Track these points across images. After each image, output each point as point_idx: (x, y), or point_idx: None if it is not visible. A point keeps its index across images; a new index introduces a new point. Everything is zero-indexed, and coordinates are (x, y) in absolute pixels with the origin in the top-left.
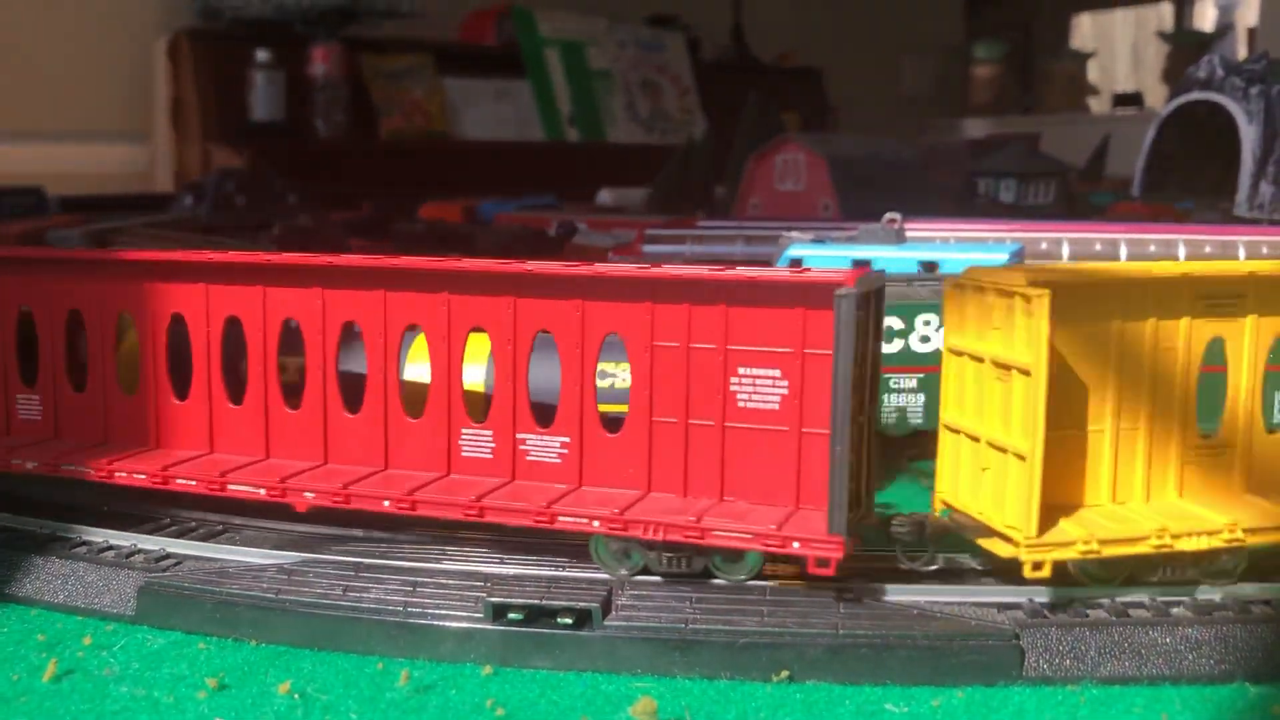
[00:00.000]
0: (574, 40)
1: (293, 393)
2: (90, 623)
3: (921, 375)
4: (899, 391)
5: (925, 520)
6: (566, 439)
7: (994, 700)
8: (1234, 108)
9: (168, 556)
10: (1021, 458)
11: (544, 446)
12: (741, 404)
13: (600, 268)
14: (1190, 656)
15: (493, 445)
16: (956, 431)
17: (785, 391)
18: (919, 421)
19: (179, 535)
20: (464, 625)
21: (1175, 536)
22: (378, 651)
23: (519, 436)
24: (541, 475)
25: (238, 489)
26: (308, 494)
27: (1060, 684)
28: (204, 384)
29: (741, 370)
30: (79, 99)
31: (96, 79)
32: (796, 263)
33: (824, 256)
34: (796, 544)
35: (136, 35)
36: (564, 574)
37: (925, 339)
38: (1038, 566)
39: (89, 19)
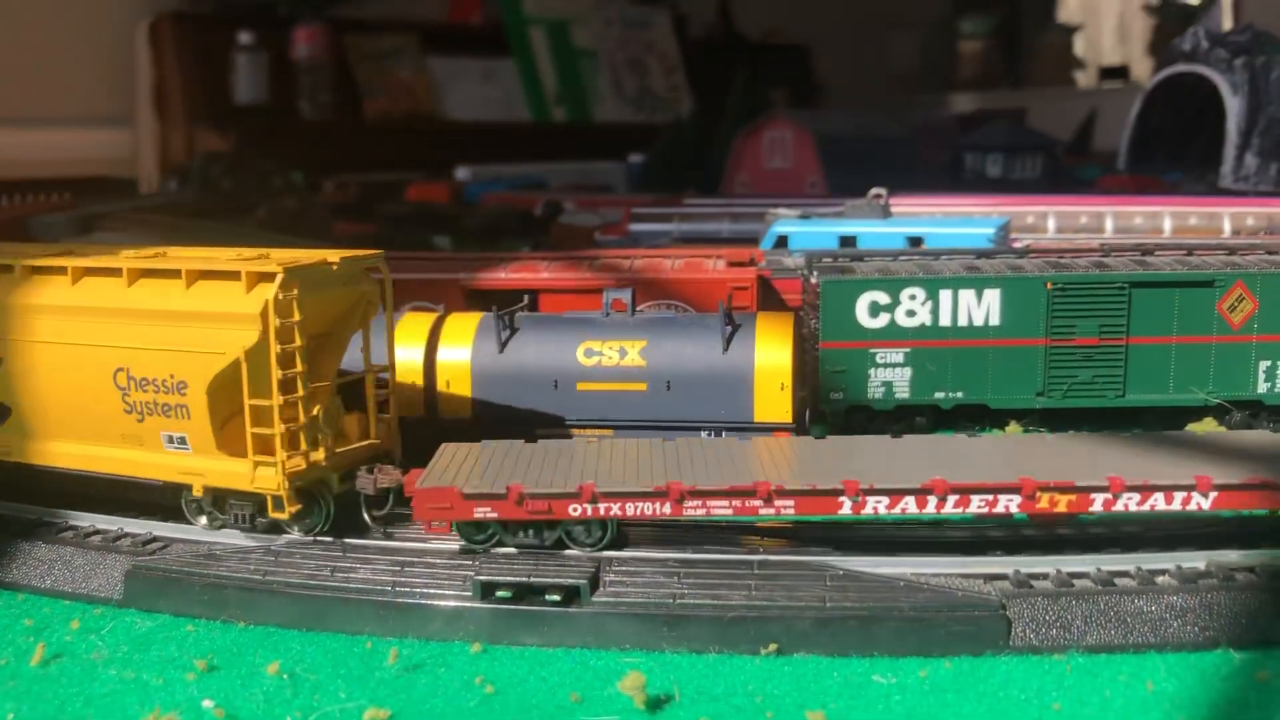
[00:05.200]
0: (559, 19)
1: None
2: (78, 607)
3: (908, 350)
4: (885, 366)
5: None
6: None
7: (981, 670)
8: (1219, 80)
9: (155, 540)
10: None
11: None
12: None
13: None
14: (1175, 624)
15: None
16: None
17: None
18: (904, 396)
19: (165, 518)
20: (452, 604)
21: None
22: (366, 631)
23: None
24: None
25: None
26: None
27: (1047, 653)
28: None
29: None
30: (61, 84)
31: (78, 63)
32: (782, 240)
33: (809, 233)
34: None
35: (118, 18)
36: (552, 551)
37: (911, 313)
38: None
39: (70, 3)
